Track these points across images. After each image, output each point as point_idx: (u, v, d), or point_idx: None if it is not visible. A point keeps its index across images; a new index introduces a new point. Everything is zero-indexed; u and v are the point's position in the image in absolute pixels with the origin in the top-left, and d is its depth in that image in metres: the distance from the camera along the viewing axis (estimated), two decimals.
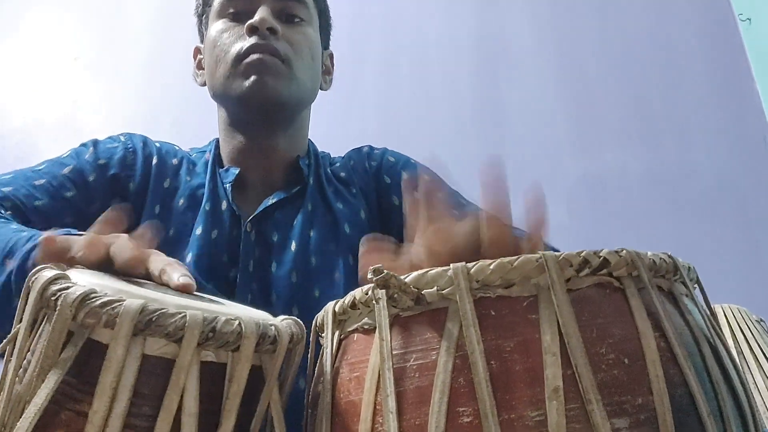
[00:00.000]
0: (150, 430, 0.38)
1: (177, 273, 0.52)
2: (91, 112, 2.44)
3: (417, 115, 2.23)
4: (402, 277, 0.41)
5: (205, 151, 1.04)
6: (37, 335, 0.40)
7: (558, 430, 0.35)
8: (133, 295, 0.40)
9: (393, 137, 2.03)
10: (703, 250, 1.82)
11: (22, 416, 0.37)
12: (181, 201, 0.94)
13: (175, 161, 1.00)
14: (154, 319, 0.38)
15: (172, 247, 0.89)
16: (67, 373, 0.38)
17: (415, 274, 0.42)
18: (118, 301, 0.38)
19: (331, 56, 1.13)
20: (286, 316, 0.47)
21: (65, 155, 0.95)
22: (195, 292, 0.54)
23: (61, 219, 0.86)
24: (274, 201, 0.95)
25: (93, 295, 0.38)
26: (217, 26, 0.99)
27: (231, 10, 0.98)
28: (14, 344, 0.42)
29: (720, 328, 0.44)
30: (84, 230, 0.62)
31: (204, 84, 1.04)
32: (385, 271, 0.41)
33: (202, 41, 1.08)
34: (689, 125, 2.06)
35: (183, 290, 0.50)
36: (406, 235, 0.56)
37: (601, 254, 0.40)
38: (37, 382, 0.38)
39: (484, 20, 2.37)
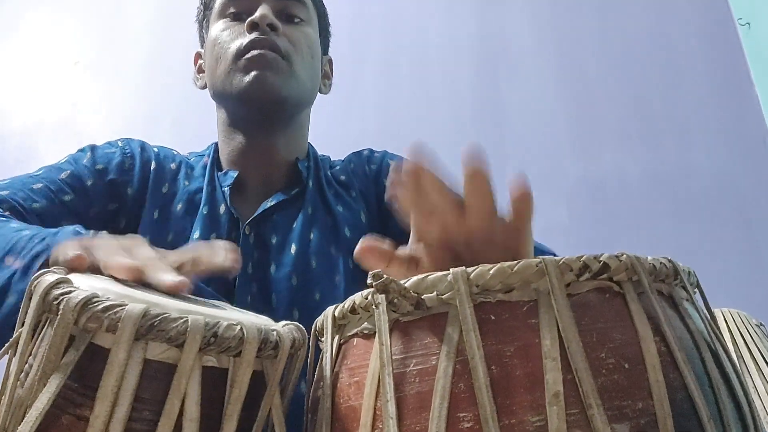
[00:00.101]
0: None
1: (167, 275, 0.51)
2: (91, 114, 2.45)
3: (417, 116, 2.23)
4: (402, 281, 0.41)
5: (203, 155, 1.04)
6: (39, 339, 0.40)
7: None
8: (135, 300, 0.40)
9: (393, 138, 2.03)
10: (703, 252, 1.82)
11: (24, 420, 0.37)
12: (180, 206, 0.94)
13: (173, 166, 1.00)
14: (155, 323, 0.38)
15: None
16: (69, 377, 0.38)
17: (414, 278, 0.42)
18: (120, 305, 0.38)
19: (330, 62, 1.13)
20: (288, 322, 0.47)
21: (63, 161, 0.95)
22: (197, 297, 0.54)
23: (59, 222, 0.86)
24: (273, 203, 0.95)
25: (95, 299, 0.39)
26: (217, 26, 0.99)
27: (231, 10, 0.99)
28: (16, 348, 0.42)
29: (720, 333, 0.44)
30: None
31: (204, 87, 1.04)
32: (385, 275, 0.41)
33: (202, 46, 1.08)
34: (689, 128, 2.06)
35: (174, 291, 0.49)
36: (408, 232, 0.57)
37: (601, 259, 0.40)
38: (39, 387, 0.38)
39: (484, 21, 2.37)
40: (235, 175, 0.97)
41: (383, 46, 2.39)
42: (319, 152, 1.09)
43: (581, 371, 0.36)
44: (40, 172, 0.92)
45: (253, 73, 0.92)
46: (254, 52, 0.93)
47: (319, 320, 0.49)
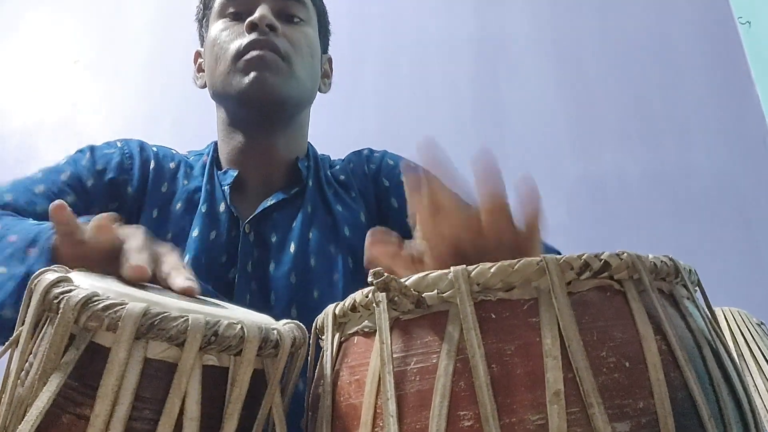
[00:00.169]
0: None
1: (180, 277, 0.52)
2: (91, 113, 2.45)
3: (416, 115, 2.23)
4: (402, 280, 0.41)
5: (202, 154, 1.04)
6: (40, 338, 0.40)
7: None
8: (136, 299, 0.40)
9: (392, 137, 2.03)
10: (703, 251, 1.82)
11: (24, 419, 0.37)
12: (179, 205, 0.95)
13: (172, 165, 1.00)
14: (156, 322, 0.38)
15: None
16: (69, 376, 0.38)
17: (415, 277, 0.42)
18: (121, 304, 0.38)
19: (330, 61, 1.13)
20: (289, 320, 0.47)
21: (62, 162, 0.95)
22: (198, 296, 0.54)
23: None
24: (272, 202, 0.95)
25: (95, 298, 0.39)
26: (217, 26, 0.99)
27: (231, 10, 0.99)
28: (16, 346, 0.42)
29: (721, 331, 0.44)
30: None
31: (204, 86, 1.04)
32: (386, 274, 0.41)
33: (202, 45, 1.08)
34: (689, 127, 2.06)
35: (185, 294, 0.50)
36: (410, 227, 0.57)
37: (601, 257, 0.40)
38: (39, 385, 0.38)
39: (484, 21, 2.37)
40: (235, 174, 0.97)
41: (383, 45, 2.39)
42: (319, 151, 1.09)
43: (582, 370, 0.36)
44: (41, 174, 0.92)
45: (252, 75, 0.92)
46: (253, 53, 0.93)
47: (319, 318, 0.49)
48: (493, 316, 0.39)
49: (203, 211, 0.93)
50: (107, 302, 0.38)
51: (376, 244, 0.55)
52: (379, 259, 0.54)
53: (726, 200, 1.94)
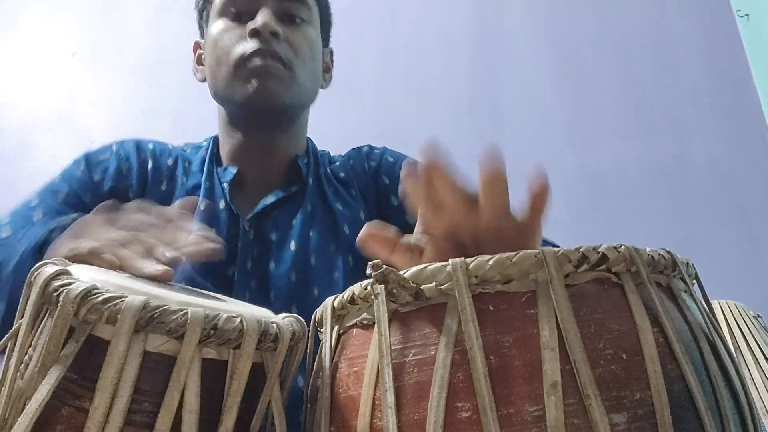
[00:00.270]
0: (151, 426, 0.38)
1: (149, 264, 0.51)
2: (89, 106, 2.44)
3: (414, 110, 2.23)
4: (401, 272, 0.41)
5: (200, 148, 1.04)
6: (39, 331, 0.40)
7: (556, 425, 0.35)
8: (135, 292, 0.40)
9: (390, 131, 2.03)
10: (700, 245, 1.83)
11: (23, 412, 0.37)
12: (178, 203, 0.94)
13: (170, 162, 1.00)
14: (155, 315, 0.38)
15: None
16: (69, 369, 0.38)
17: (413, 269, 0.42)
18: (120, 297, 0.38)
19: (331, 53, 1.13)
20: (288, 314, 0.47)
21: (57, 179, 0.94)
22: (197, 289, 0.54)
23: None
24: (272, 200, 0.95)
25: (95, 291, 0.39)
26: (218, 25, 0.98)
27: (232, 9, 0.98)
28: (16, 339, 0.42)
29: (718, 324, 0.44)
30: None
31: (204, 80, 1.03)
32: (384, 266, 0.41)
33: (201, 36, 1.07)
34: (687, 120, 2.06)
35: (158, 280, 0.50)
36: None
37: (599, 250, 0.40)
38: (38, 378, 0.38)
39: (482, 16, 2.37)
40: (235, 171, 0.97)
41: (380, 39, 2.38)
42: (318, 146, 1.09)
43: (579, 362, 0.36)
44: (37, 199, 0.90)
45: (255, 84, 0.92)
46: (256, 62, 0.92)
47: (318, 311, 0.50)
48: (491, 308, 0.39)
49: (201, 209, 0.92)
50: (106, 295, 0.38)
51: (371, 237, 0.55)
52: (378, 252, 0.54)
53: (723, 193, 1.95)
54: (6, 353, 0.43)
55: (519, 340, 0.38)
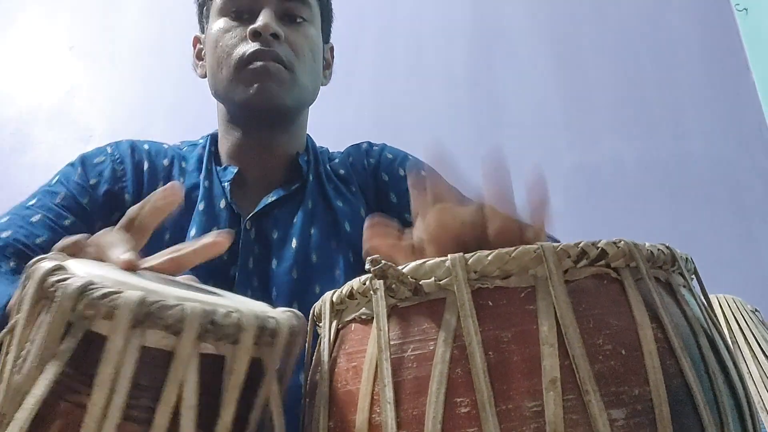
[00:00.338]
0: (149, 422, 0.38)
1: (119, 250, 0.51)
2: (87, 100, 2.43)
3: (412, 104, 2.23)
4: (400, 267, 0.41)
5: (197, 145, 1.03)
6: (36, 326, 0.40)
7: (555, 420, 0.35)
8: (133, 287, 0.40)
9: (388, 125, 2.03)
10: (699, 239, 1.83)
11: (21, 407, 0.37)
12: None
13: (165, 162, 0.99)
14: (153, 311, 0.38)
15: None
16: (66, 364, 0.38)
17: (412, 264, 0.42)
18: (117, 292, 0.38)
19: (332, 49, 1.12)
20: (287, 309, 0.47)
21: (54, 181, 0.94)
22: (195, 284, 0.54)
23: None
24: (273, 199, 0.95)
25: (92, 286, 0.38)
26: (218, 24, 0.98)
27: (233, 9, 0.98)
28: (12, 334, 0.42)
29: (717, 319, 0.44)
30: None
31: (204, 76, 1.03)
32: (383, 261, 0.41)
33: (201, 30, 1.07)
34: (685, 115, 2.06)
35: (127, 268, 0.49)
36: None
37: (599, 245, 0.40)
38: (36, 373, 0.38)
39: (480, 9, 2.36)
40: (235, 170, 0.97)
41: (378, 33, 2.38)
42: (317, 141, 1.09)
43: (578, 357, 0.36)
44: (35, 200, 0.90)
45: (256, 86, 0.92)
46: (257, 64, 0.92)
47: (317, 305, 0.50)
48: (491, 304, 0.39)
49: (201, 209, 0.92)
50: (104, 290, 0.38)
51: (375, 233, 0.55)
52: (379, 248, 0.54)
53: (721, 188, 1.95)
54: (3, 348, 0.43)
55: (518, 335, 0.38)
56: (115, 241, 0.54)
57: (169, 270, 0.53)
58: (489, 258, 0.39)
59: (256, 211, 0.93)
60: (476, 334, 0.38)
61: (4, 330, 0.42)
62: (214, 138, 1.04)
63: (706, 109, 2.06)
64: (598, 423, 0.35)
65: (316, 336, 0.49)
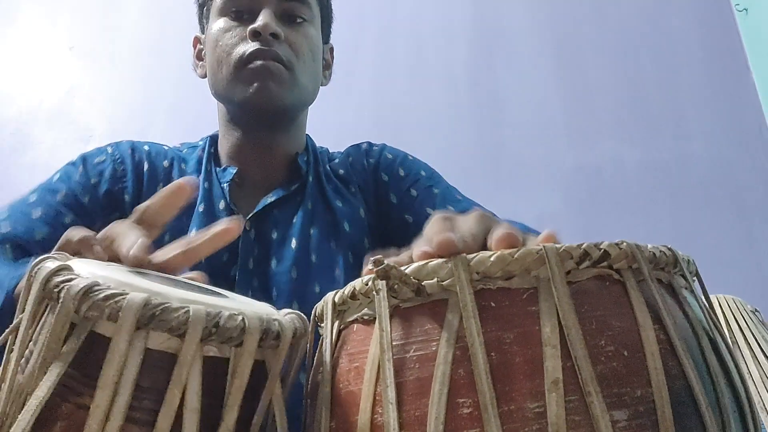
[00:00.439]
0: (151, 424, 0.38)
1: (125, 246, 0.51)
2: (87, 100, 2.44)
3: (413, 106, 2.23)
4: (402, 268, 0.41)
5: (196, 147, 1.03)
6: (40, 326, 0.40)
7: (557, 421, 0.35)
8: (137, 288, 0.40)
9: (389, 126, 2.03)
10: (699, 240, 1.83)
11: (24, 408, 0.37)
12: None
13: (165, 163, 1.00)
14: (157, 313, 0.38)
15: None
16: (70, 365, 0.38)
17: (415, 265, 0.42)
18: (122, 294, 0.38)
19: (332, 50, 1.13)
20: (290, 311, 0.47)
21: (55, 179, 0.94)
22: (200, 285, 0.54)
23: None
24: (273, 199, 0.95)
25: (96, 287, 0.38)
26: (218, 24, 0.98)
27: (233, 9, 0.98)
28: (16, 335, 0.42)
29: (718, 321, 0.44)
30: None
31: (204, 76, 1.03)
32: (386, 261, 0.41)
33: (201, 30, 1.07)
34: (685, 115, 2.07)
35: (136, 265, 0.49)
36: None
37: (601, 247, 0.40)
38: (39, 374, 0.38)
39: (481, 9, 2.36)
40: (235, 171, 0.97)
41: (379, 34, 2.38)
42: (316, 141, 1.09)
43: (580, 358, 0.36)
44: (36, 197, 0.91)
45: (256, 85, 0.92)
46: (257, 63, 0.93)
47: (319, 306, 0.50)
48: (493, 305, 0.39)
49: (200, 210, 0.92)
50: (108, 292, 0.38)
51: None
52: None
53: (722, 190, 1.95)
54: (6, 348, 0.43)
55: (520, 336, 0.38)
56: (126, 231, 0.54)
57: (183, 262, 0.53)
58: (491, 259, 0.40)
59: (255, 211, 0.93)
60: (479, 335, 0.38)
61: (8, 330, 0.43)
62: (213, 139, 1.04)
63: (706, 109, 2.06)
64: (601, 424, 0.35)
65: (317, 337, 0.49)
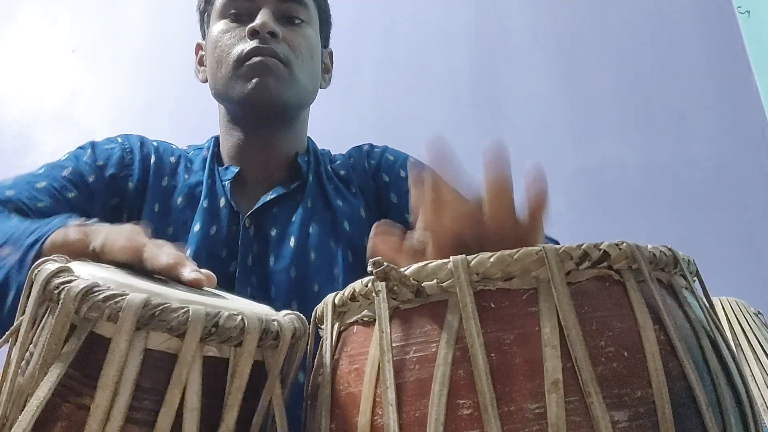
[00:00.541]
0: (152, 424, 0.38)
1: (187, 269, 0.52)
2: (89, 103, 2.44)
3: (415, 107, 2.23)
4: (402, 269, 0.41)
5: (202, 149, 1.05)
6: (40, 328, 0.40)
7: (557, 422, 0.35)
8: (137, 289, 0.40)
9: (391, 129, 2.03)
10: (701, 242, 1.83)
11: (24, 409, 0.37)
12: (180, 199, 0.96)
13: (172, 159, 1.02)
14: (157, 313, 0.38)
15: None
16: (70, 366, 0.38)
17: (415, 266, 0.42)
18: (121, 295, 0.38)
19: (331, 54, 1.14)
20: (289, 311, 0.47)
21: (64, 158, 0.96)
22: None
23: None
24: (272, 197, 0.96)
25: (96, 288, 0.39)
26: (218, 26, 1.00)
27: (232, 11, 1.00)
28: (17, 336, 0.42)
29: (719, 321, 0.44)
30: None
31: (205, 81, 1.05)
32: (385, 263, 0.41)
33: (203, 37, 1.09)
34: (687, 117, 2.06)
35: (194, 285, 0.50)
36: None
37: (601, 247, 0.40)
38: (40, 375, 0.38)
39: (483, 12, 2.36)
40: (236, 170, 0.98)
41: (381, 36, 2.38)
42: (318, 144, 1.10)
43: (581, 359, 0.36)
44: (43, 170, 0.92)
45: (254, 81, 0.93)
46: (255, 60, 0.94)
47: (319, 307, 0.50)
48: (493, 306, 0.39)
49: (204, 206, 0.94)
50: (108, 293, 0.38)
51: (379, 236, 0.55)
52: (382, 251, 0.54)
53: (724, 190, 1.94)
54: (7, 350, 0.43)
55: (520, 337, 0.38)
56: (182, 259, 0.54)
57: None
58: (491, 260, 0.39)
59: (255, 208, 0.94)
60: (478, 336, 0.38)
61: (9, 331, 0.43)
62: (216, 140, 1.05)
63: (708, 111, 2.05)
64: (601, 425, 0.35)
65: (317, 338, 0.49)
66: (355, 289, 0.45)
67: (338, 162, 1.07)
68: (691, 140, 2.03)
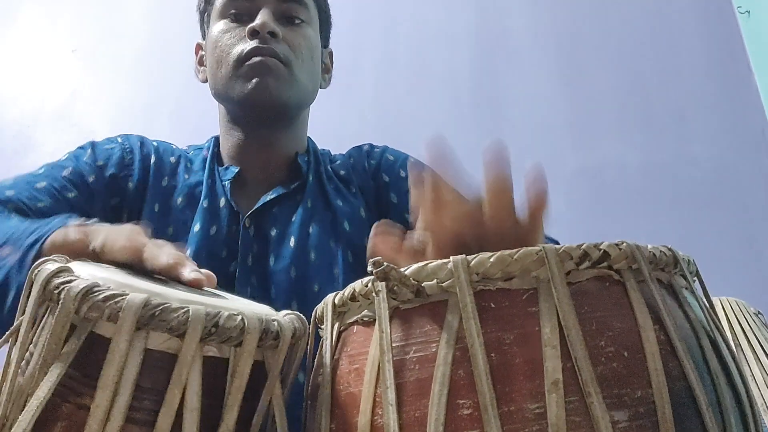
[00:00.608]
0: (152, 424, 0.38)
1: (187, 269, 0.52)
2: (89, 103, 2.44)
3: (415, 107, 2.22)
4: (402, 269, 0.41)
5: (202, 149, 1.06)
6: (40, 328, 0.40)
7: (558, 422, 0.35)
8: (137, 289, 0.40)
9: (391, 129, 2.03)
10: (702, 242, 1.82)
11: (24, 409, 0.37)
12: (180, 199, 0.96)
13: (172, 159, 1.02)
14: (157, 313, 0.38)
15: None
16: (70, 366, 0.38)
17: (415, 266, 0.42)
18: (121, 295, 0.38)
19: (331, 54, 1.14)
20: (289, 311, 0.47)
21: (64, 158, 0.96)
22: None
23: None
24: (272, 197, 0.96)
25: (96, 288, 0.39)
26: (218, 26, 1.00)
27: (232, 11, 1.00)
28: (17, 336, 0.42)
29: (719, 321, 0.44)
30: None
31: (205, 81, 1.05)
32: (385, 263, 0.41)
33: (203, 37, 1.09)
34: (688, 117, 2.06)
35: (194, 285, 0.50)
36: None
37: (601, 247, 0.40)
38: (40, 375, 0.38)
39: (483, 12, 2.36)
40: (236, 170, 0.98)
41: (381, 37, 2.38)
42: (318, 144, 1.10)
43: (581, 359, 0.36)
44: (42, 170, 0.93)
45: (254, 80, 0.94)
46: (255, 59, 0.94)
47: (319, 307, 0.50)
48: (493, 306, 0.39)
49: (204, 206, 0.94)
50: (108, 293, 0.38)
51: (379, 236, 0.55)
52: (382, 251, 0.54)
53: (724, 191, 1.94)
54: (7, 350, 0.43)
55: (520, 337, 0.38)
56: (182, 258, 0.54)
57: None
58: (491, 260, 0.39)
59: (255, 208, 0.94)
60: (478, 336, 0.38)
61: (9, 331, 0.43)
62: (216, 140, 1.05)
63: (708, 111, 2.05)
64: (601, 425, 0.35)
65: (317, 338, 0.49)
66: (355, 289, 0.45)
67: (338, 162, 1.07)
68: (691, 140, 2.03)
